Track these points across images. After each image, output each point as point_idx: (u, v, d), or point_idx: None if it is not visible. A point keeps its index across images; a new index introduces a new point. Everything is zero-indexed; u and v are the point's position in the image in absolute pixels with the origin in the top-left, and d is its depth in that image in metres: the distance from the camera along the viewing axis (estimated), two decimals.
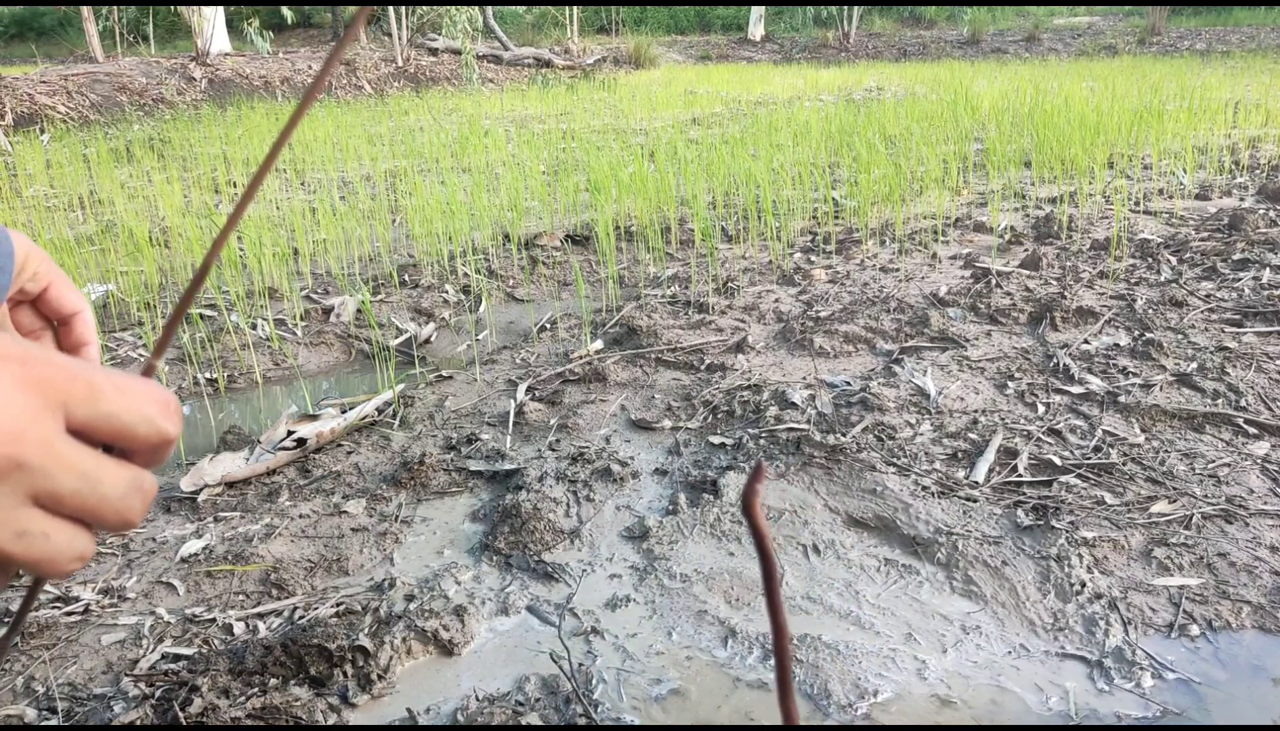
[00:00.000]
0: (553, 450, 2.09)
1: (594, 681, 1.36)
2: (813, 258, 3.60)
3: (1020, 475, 1.86)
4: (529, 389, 2.44)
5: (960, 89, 8.78)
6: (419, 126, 7.92)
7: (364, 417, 2.27)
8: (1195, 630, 1.42)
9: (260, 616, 1.54)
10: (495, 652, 1.44)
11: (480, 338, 2.94)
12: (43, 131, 7.98)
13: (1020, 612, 1.48)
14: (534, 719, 1.27)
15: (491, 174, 5.41)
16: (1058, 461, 1.90)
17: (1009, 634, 1.44)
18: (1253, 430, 2.01)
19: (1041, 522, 1.68)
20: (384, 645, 1.39)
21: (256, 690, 1.32)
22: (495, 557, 1.69)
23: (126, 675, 1.39)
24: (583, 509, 1.83)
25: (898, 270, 3.37)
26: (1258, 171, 4.93)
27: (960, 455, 1.96)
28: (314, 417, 2.22)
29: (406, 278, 3.47)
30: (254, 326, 2.94)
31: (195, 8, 11.23)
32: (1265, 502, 1.73)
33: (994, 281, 3.09)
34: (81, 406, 0.38)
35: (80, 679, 1.40)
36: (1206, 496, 1.75)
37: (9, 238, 0.62)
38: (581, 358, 2.61)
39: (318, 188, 5.18)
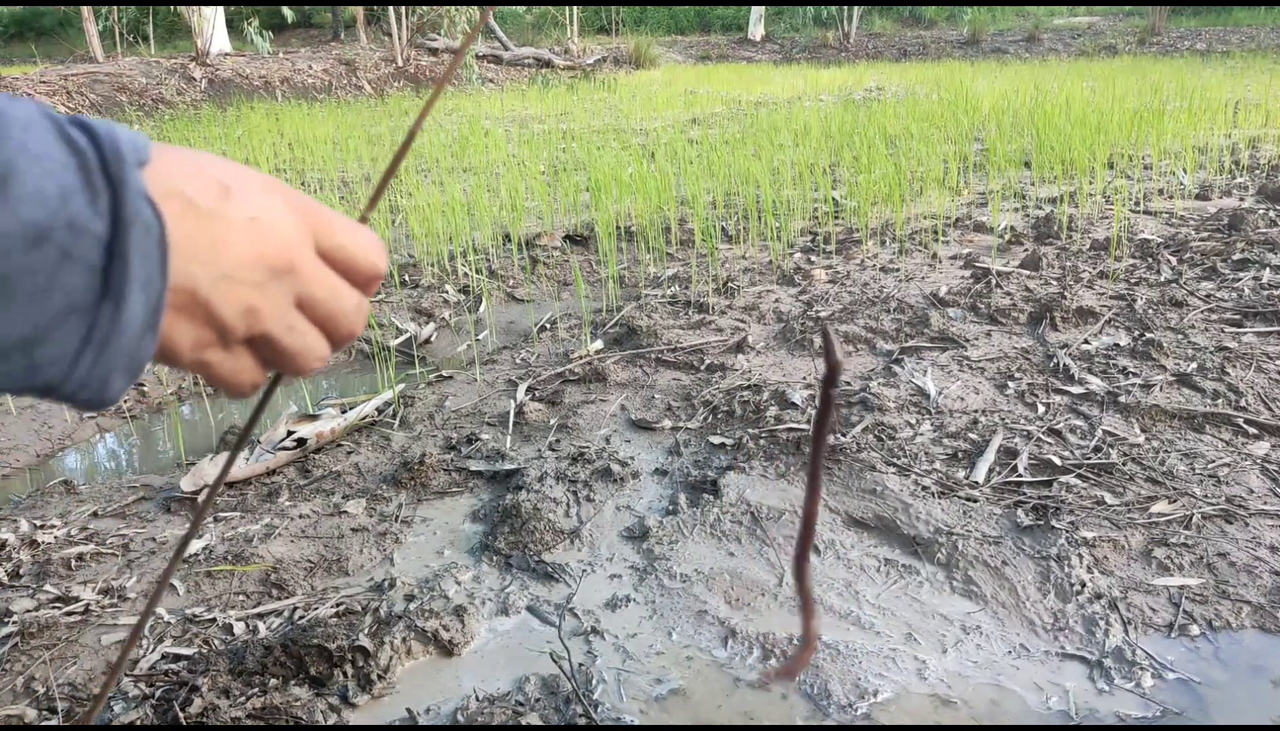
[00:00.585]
0: (553, 450, 2.09)
1: (594, 681, 1.36)
2: (813, 258, 3.60)
3: (1020, 475, 1.86)
4: (529, 389, 2.44)
5: (960, 89, 8.78)
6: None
7: (364, 418, 2.27)
8: (1195, 630, 1.42)
9: (260, 616, 1.54)
10: (495, 653, 1.44)
11: (480, 337, 2.94)
12: None
13: (1020, 612, 1.48)
14: (534, 719, 1.27)
15: (492, 174, 5.41)
16: (1058, 461, 1.90)
17: (1009, 634, 1.44)
18: (1253, 430, 2.01)
19: (1041, 522, 1.68)
20: (384, 645, 1.39)
21: (256, 690, 1.32)
22: (495, 558, 1.69)
23: (126, 675, 1.39)
24: (583, 509, 1.83)
25: (898, 270, 3.37)
26: (1258, 171, 4.92)
27: (960, 455, 1.96)
28: (314, 418, 2.22)
29: (406, 277, 3.47)
30: None
31: (195, 8, 11.23)
32: (1265, 502, 1.73)
33: (994, 281, 3.09)
34: (324, 236, 0.46)
35: (80, 679, 1.40)
36: (1206, 496, 1.75)
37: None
38: (581, 358, 2.61)
39: (318, 187, 5.18)
